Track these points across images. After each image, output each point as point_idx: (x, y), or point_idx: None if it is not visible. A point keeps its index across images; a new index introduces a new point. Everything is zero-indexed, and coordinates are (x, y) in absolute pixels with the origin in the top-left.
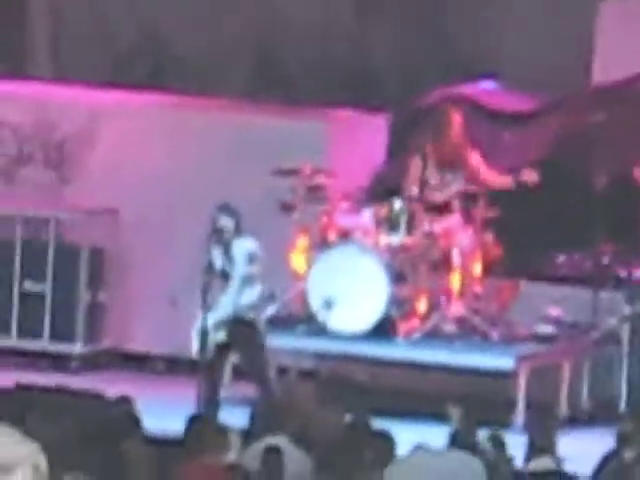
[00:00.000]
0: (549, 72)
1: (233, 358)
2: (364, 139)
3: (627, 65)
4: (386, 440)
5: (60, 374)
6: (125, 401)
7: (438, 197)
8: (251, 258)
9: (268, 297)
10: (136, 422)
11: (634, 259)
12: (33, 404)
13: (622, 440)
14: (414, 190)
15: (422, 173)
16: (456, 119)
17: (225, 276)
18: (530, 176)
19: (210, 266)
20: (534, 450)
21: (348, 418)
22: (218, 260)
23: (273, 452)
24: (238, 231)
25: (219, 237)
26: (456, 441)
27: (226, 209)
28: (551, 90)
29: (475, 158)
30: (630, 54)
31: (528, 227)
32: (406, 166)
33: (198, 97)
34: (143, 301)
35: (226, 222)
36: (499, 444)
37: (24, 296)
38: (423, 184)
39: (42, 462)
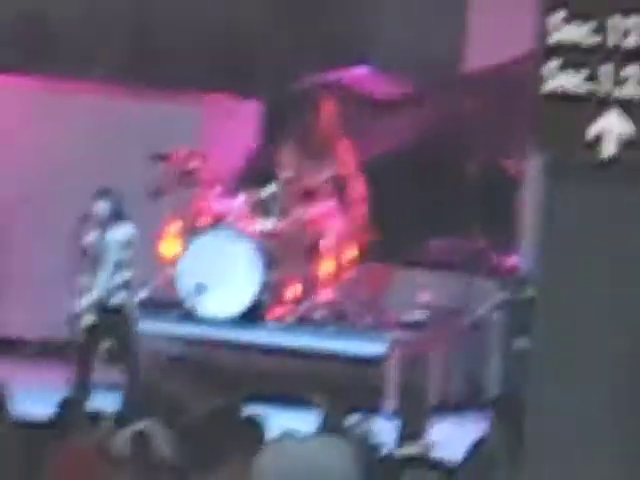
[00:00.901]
0: (422, 57)
1: (104, 342)
2: (237, 124)
3: (499, 51)
4: (255, 426)
5: None
6: None
7: (310, 182)
8: (127, 244)
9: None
10: (3, 405)
11: (507, 247)
12: None
13: (493, 427)
14: (287, 175)
15: (295, 159)
16: (328, 105)
17: (99, 260)
18: None
19: (83, 250)
20: (404, 436)
21: (217, 403)
22: (93, 244)
23: (141, 437)
24: (117, 216)
25: (95, 221)
26: (325, 427)
27: (104, 193)
28: (424, 76)
29: (346, 144)
30: (502, 40)
31: (402, 213)
32: (279, 152)
33: (72, 80)
34: (16, 284)
35: (103, 207)
36: (369, 430)
37: None
38: (296, 170)
39: None
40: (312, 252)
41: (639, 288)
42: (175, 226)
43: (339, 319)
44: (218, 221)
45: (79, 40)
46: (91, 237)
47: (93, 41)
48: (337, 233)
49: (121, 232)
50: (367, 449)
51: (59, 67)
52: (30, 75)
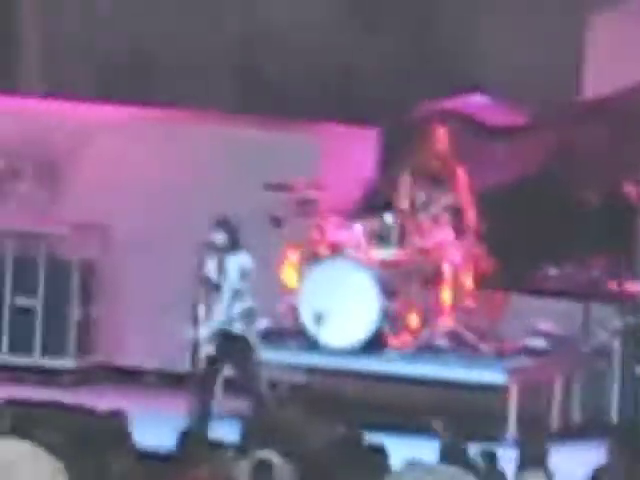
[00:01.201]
0: (539, 86)
1: (224, 372)
2: (354, 154)
3: (617, 78)
4: (379, 455)
5: (52, 389)
6: (117, 415)
7: (428, 212)
8: (244, 273)
9: (249, 311)
10: (127, 436)
11: (625, 273)
12: (25, 419)
13: (612, 456)
14: (405, 204)
15: (412, 188)
16: (444, 133)
17: (217, 290)
18: None
19: (202, 279)
20: (525, 464)
21: (340, 433)
22: (211, 273)
23: (264, 467)
24: (234, 245)
25: (213, 250)
26: (446, 456)
27: (222, 223)
28: (541, 104)
29: (463, 172)
30: (620, 67)
31: (519, 241)
32: (396, 181)
33: (187, 110)
34: (134, 315)
35: (221, 236)
36: (491, 459)
37: (15, 311)
38: (413, 198)
39: None
40: (431, 281)
41: None
42: (294, 255)
43: (459, 347)
44: (337, 250)
45: (193, 72)
46: (210, 266)
47: (207, 73)
48: (455, 261)
49: (239, 261)
50: (489, 479)
51: (174, 100)
52: (146, 106)
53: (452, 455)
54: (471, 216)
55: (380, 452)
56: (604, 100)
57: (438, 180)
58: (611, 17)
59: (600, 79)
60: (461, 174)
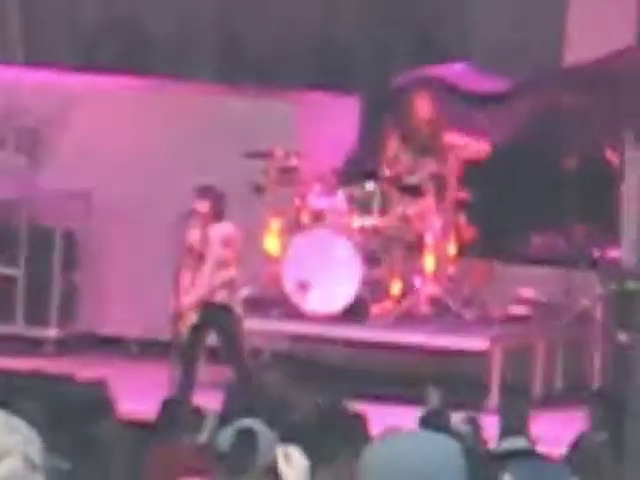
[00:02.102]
0: (521, 52)
1: (207, 340)
2: (334, 121)
3: (600, 44)
4: (359, 422)
5: (34, 358)
6: (99, 384)
7: (411, 179)
8: (228, 241)
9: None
10: (109, 404)
11: (607, 239)
12: (7, 388)
13: (594, 421)
14: (387, 172)
15: (395, 155)
16: (428, 100)
17: (200, 259)
18: None
19: (185, 248)
20: (507, 431)
21: (322, 400)
22: (194, 242)
23: (246, 434)
24: (217, 214)
25: (196, 219)
26: (428, 423)
27: (206, 191)
28: (524, 71)
29: (448, 138)
30: (602, 33)
31: (501, 209)
32: (379, 148)
33: (168, 79)
34: (116, 284)
35: (204, 204)
36: (475, 426)
37: None
38: (396, 166)
39: (33, 451)
40: (413, 248)
41: None
42: (276, 224)
43: (442, 315)
44: (319, 218)
45: (175, 41)
46: (193, 235)
47: (189, 41)
48: (438, 229)
49: (222, 230)
50: (473, 445)
51: (156, 66)
52: (128, 74)
53: (435, 422)
54: (454, 184)
55: (361, 419)
56: (585, 67)
57: (421, 147)
58: None
59: (581, 46)
60: (445, 141)
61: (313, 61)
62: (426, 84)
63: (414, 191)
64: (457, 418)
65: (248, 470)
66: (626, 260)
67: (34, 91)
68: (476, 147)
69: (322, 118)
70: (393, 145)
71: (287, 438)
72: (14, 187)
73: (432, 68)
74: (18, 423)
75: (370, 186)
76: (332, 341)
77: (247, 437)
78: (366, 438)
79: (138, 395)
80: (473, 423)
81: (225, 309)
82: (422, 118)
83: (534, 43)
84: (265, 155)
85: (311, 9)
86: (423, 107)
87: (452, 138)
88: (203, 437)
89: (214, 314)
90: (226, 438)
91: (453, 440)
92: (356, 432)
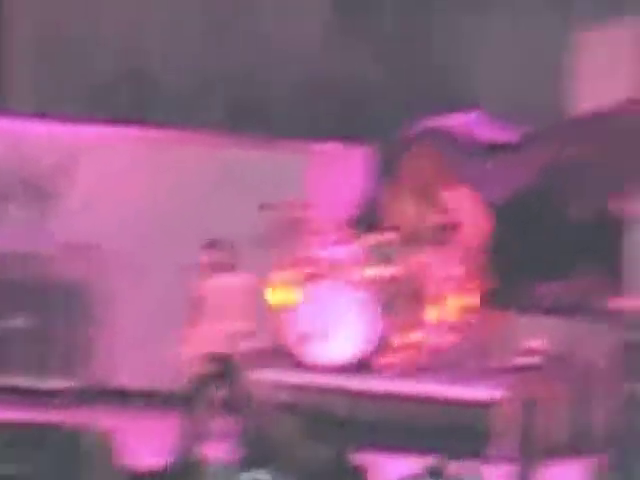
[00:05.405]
0: (531, 103)
1: (215, 392)
2: (344, 171)
3: (607, 94)
4: (360, 474)
5: (41, 410)
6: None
7: (416, 230)
8: (234, 293)
9: (237, 332)
10: (116, 455)
11: (615, 289)
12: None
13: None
14: (392, 223)
15: (400, 206)
16: (431, 152)
17: (206, 310)
18: None
19: (191, 300)
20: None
21: (329, 451)
22: (200, 295)
23: None
24: (224, 266)
25: (202, 272)
26: (433, 473)
27: (212, 245)
28: (533, 122)
29: (459, 191)
30: (610, 84)
31: (509, 258)
32: (385, 199)
33: (178, 130)
34: (123, 336)
35: (211, 257)
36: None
37: (4, 331)
38: (401, 217)
39: None
40: (419, 299)
41: None
42: (284, 275)
43: (447, 365)
44: (326, 269)
45: (187, 91)
46: (199, 287)
47: (201, 92)
48: (444, 280)
49: (228, 282)
50: None
51: (167, 117)
52: (137, 125)
53: (439, 472)
54: (461, 235)
55: (362, 471)
56: (592, 117)
57: (425, 198)
58: (599, 36)
59: (589, 97)
60: (458, 192)
61: (321, 112)
62: (431, 135)
63: (419, 242)
64: (461, 468)
65: None
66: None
67: (43, 142)
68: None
69: (332, 169)
70: (399, 196)
71: None
72: (23, 239)
73: (440, 119)
74: None
75: (376, 238)
76: (337, 392)
77: None
78: None
79: (145, 447)
80: (478, 473)
81: (231, 360)
82: (425, 169)
83: (544, 94)
84: (275, 207)
85: (327, 61)
86: (426, 158)
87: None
88: None
89: (220, 365)
90: None
91: None
92: None
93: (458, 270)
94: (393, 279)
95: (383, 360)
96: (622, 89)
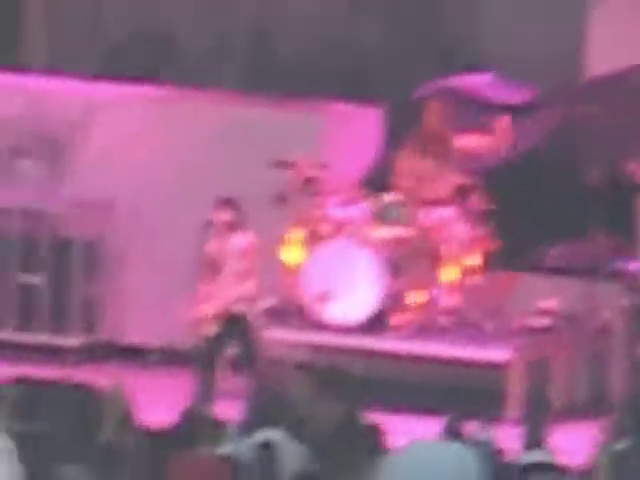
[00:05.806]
0: (544, 64)
1: (228, 351)
2: (358, 132)
3: (621, 57)
4: (375, 432)
5: (56, 367)
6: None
7: (431, 189)
8: (247, 252)
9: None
10: (128, 413)
11: (629, 251)
12: (32, 397)
13: (616, 432)
14: (407, 183)
15: (414, 166)
16: (442, 110)
17: (219, 269)
18: None
19: (205, 258)
20: (528, 443)
21: (343, 411)
22: (214, 253)
23: (267, 445)
24: (238, 225)
25: (216, 229)
26: (448, 433)
27: (226, 202)
28: (546, 82)
29: (463, 141)
30: (624, 45)
31: (523, 219)
32: (400, 159)
33: (193, 89)
34: (137, 293)
35: (224, 215)
36: (489, 436)
37: (20, 289)
38: (416, 177)
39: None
40: (434, 259)
41: None
42: (298, 234)
43: (461, 326)
44: (340, 229)
45: (202, 50)
46: (213, 245)
47: (215, 51)
48: (459, 240)
49: (242, 240)
50: (491, 456)
51: (182, 76)
52: (152, 84)
53: (454, 433)
54: (475, 194)
55: (377, 430)
56: (608, 78)
57: (439, 157)
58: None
59: (603, 58)
60: (465, 152)
61: (336, 72)
62: (443, 95)
63: (434, 202)
64: (474, 428)
65: None
66: None
67: (56, 99)
68: (492, 147)
69: (345, 129)
70: (412, 156)
71: (308, 449)
72: (36, 196)
73: (453, 79)
74: None
75: (391, 197)
76: (352, 351)
77: (268, 448)
78: (382, 448)
79: (158, 404)
80: (490, 433)
81: (244, 319)
82: (437, 128)
83: (557, 55)
84: (288, 165)
85: (336, 23)
86: (437, 117)
87: (466, 141)
88: (224, 448)
89: (234, 324)
90: (247, 449)
91: (472, 450)
92: (372, 442)
93: (472, 230)
94: (407, 239)
95: (397, 319)
96: (636, 52)
